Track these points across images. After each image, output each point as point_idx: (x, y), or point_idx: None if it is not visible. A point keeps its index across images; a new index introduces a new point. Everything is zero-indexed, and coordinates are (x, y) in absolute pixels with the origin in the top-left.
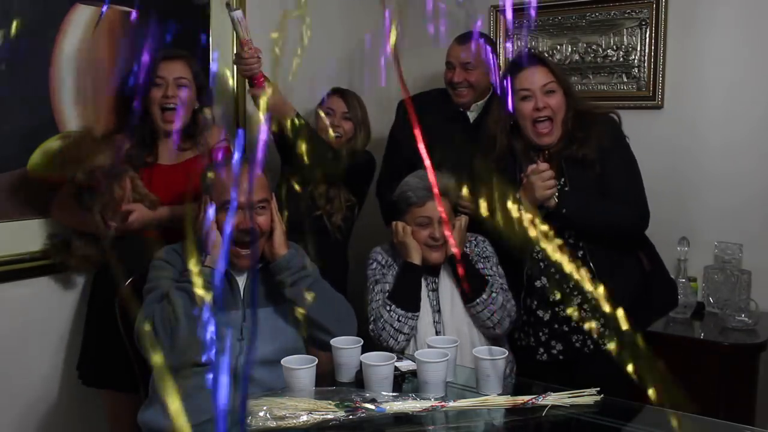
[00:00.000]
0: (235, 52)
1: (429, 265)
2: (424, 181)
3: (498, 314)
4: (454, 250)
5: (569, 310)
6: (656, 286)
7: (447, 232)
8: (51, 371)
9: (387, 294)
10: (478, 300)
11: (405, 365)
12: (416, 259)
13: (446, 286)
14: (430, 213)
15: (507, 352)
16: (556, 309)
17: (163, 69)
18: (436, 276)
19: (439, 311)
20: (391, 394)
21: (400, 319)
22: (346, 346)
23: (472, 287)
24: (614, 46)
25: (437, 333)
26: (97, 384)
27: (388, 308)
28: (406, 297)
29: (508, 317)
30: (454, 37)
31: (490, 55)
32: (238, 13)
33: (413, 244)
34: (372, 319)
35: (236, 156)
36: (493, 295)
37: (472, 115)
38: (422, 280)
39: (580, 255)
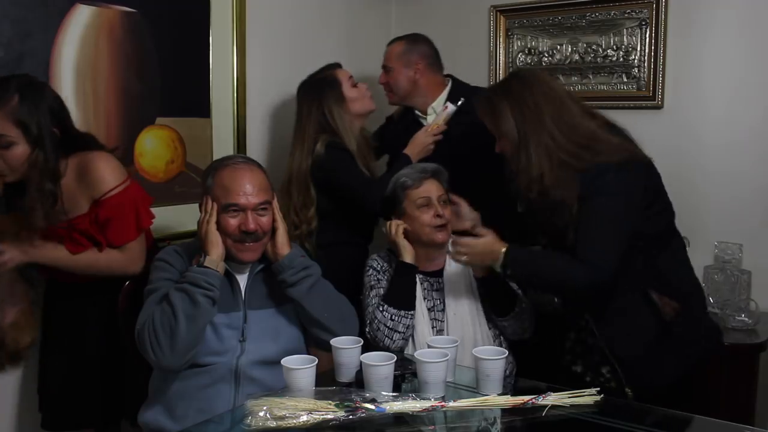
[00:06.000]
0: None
1: (429, 268)
2: (416, 166)
3: (527, 321)
4: (479, 274)
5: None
6: (683, 329)
7: (447, 212)
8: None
9: (381, 296)
10: (511, 314)
11: None
12: (408, 258)
13: (450, 286)
14: (428, 192)
15: (507, 352)
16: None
17: None
18: (440, 276)
19: (443, 311)
20: (391, 394)
21: (393, 318)
22: (346, 346)
23: (505, 303)
24: (614, 46)
25: (439, 333)
26: (67, 427)
27: (381, 309)
28: (399, 296)
29: (533, 317)
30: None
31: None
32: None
33: (404, 244)
34: (368, 321)
35: None
36: (524, 305)
37: (431, 119)
38: (425, 281)
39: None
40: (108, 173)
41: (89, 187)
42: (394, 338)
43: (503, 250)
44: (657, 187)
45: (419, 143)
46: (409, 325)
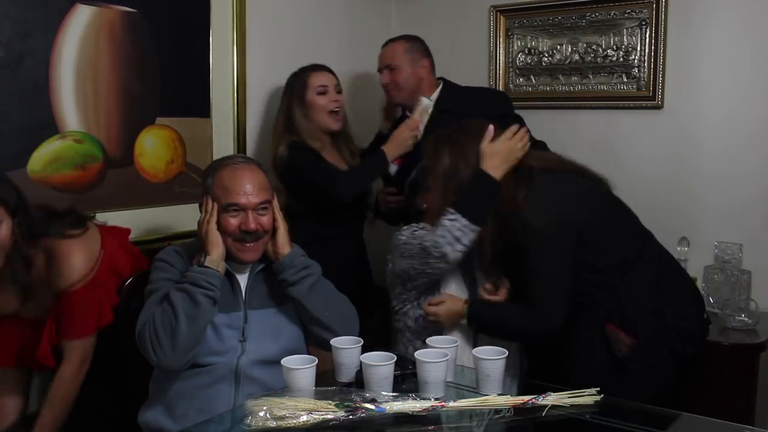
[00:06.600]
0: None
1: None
2: None
3: None
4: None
5: None
6: (638, 366)
7: None
8: None
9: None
10: None
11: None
12: (498, 173)
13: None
14: None
15: (507, 352)
16: None
17: None
18: None
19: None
20: (391, 394)
21: (462, 229)
22: (346, 346)
23: None
24: (614, 46)
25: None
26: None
27: (452, 215)
28: (474, 206)
29: None
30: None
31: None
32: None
33: (498, 154)
34: (432, 230)
35: None
36: None
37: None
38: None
39: None
40: (78, 262)
41: (59, 275)
42: (456, 247)
43: (465, 309)
44: (598, 220)
45: (397, 138)
46: (470, 243)
